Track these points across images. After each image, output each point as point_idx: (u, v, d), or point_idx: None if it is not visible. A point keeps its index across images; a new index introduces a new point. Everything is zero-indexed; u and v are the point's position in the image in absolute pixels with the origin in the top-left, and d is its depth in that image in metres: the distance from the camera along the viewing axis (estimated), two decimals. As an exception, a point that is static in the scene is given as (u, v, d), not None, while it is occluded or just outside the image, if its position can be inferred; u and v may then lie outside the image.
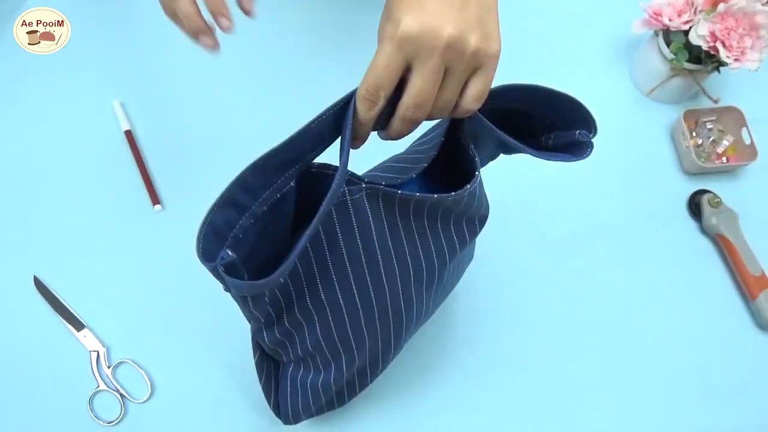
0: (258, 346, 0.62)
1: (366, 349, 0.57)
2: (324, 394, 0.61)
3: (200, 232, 0.41)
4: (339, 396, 0.64)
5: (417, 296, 0.55)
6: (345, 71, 0.85)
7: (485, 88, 0.43)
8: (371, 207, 0.47)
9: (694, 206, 0.82)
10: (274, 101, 0.84)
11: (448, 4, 0.39)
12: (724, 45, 0.76)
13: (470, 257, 0.69)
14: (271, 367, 0.64)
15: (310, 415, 0.65)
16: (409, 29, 0.39)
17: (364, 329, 0.54)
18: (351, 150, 0.44)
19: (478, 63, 0.42)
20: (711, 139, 0.85)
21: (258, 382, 0.64)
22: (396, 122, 0.44)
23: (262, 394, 0.69)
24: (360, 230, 0.48)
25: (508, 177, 0.82)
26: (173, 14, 0.49)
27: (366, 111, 0.42)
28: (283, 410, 0.64)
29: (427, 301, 0.58)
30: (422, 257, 0.53)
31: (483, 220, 0.59)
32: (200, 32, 0.48)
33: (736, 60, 0.76)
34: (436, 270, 0.55)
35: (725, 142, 0.85)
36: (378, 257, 0.50)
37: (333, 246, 0.48)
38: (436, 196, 0.48)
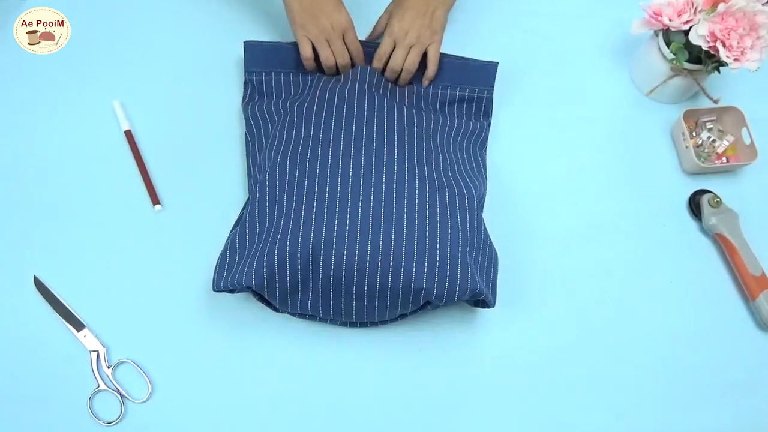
0: (236, 224, 0.73)
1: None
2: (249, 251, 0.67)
3: None
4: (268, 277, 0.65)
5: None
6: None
7: (435, 52, 0.81)
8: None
9: (694, 206, 0.82)
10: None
11: (415, 16, 0.80)
12: (724, 45, 0.76)
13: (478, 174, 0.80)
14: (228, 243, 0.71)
15: (230, 286, 0.66)
16: (394, 30, 0.81)
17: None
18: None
19: (429, 43, 0.81)
20: (711, 139, 0.85)
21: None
22: (387, 72, 0.82)
23: (262, 396, 0.69)
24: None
25: (508, 176, 0.82)
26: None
27: (378, 63, 0.82)
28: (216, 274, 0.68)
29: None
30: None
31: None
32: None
33: (736, 60, 0.76)
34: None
35: (725, 142, 0.85)
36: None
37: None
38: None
